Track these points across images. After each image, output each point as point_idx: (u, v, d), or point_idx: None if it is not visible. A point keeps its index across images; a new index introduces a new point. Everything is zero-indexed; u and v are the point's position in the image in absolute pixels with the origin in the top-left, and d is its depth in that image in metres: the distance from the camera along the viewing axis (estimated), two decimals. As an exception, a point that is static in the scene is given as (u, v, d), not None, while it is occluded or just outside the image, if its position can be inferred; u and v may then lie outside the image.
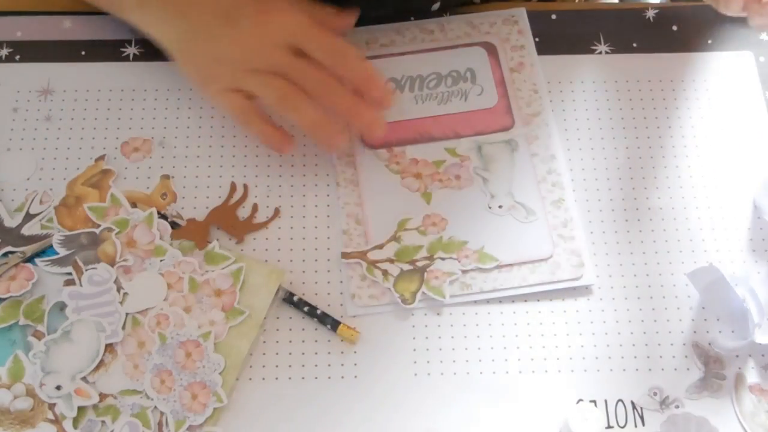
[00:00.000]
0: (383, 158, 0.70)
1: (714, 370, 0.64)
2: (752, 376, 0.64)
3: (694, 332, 0.66)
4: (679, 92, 0.75)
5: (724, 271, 0.64)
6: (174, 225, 0.68)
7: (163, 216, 0.68)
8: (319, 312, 0.64)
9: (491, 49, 0.75)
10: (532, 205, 0.68)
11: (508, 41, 0.75)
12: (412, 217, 0.68)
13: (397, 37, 0.76)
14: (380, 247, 0.67)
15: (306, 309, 0.65)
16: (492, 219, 0.68)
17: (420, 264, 0.66)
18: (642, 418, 0.63)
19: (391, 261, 0.66)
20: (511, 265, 0.66)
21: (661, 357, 0.65)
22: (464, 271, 0.66)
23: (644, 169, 0.71)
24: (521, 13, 0.77)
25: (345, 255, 0.66)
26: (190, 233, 0.68)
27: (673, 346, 0.65)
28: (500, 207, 0.68)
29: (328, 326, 0.64)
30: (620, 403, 0.63)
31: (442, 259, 0.66)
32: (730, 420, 0.63)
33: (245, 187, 0.70)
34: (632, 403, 0.63)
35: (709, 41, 0.77)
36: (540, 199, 0.69)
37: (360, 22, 0.77)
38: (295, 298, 0.65)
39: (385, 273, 0.65)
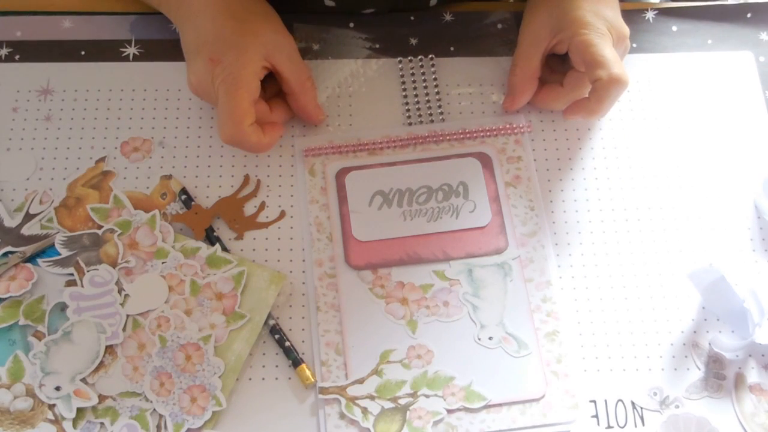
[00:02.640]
0: (367, 281, 0.66)
1: (714, 370, 0.64)
2: (752, 376, 0.64)
3: (694, 332, 0.66)
4: (679, 92, 0.75)
5: (724, 271, 0.64)
6: (187, 202, 0.68)
7: (185, 192, 0.69)
8: (287, 344, 0.64)
9: (486, 161, 0.71)
10: (524, 338, 0.64)
11: (504, 152, 0.71)
12: (396, 348, 0.64)
13: (387, 144, 0.71)
14: (361, 381, 0.63)
15: (277, 337, 0.64)
16: (481, 352, 0.64)
17: (402, 402, 0.62)
18: (642, 418, 0.63)
19: (372, 398, 0.62)
20: (500, 405, 0.62)
21: (661, 357, 0.65)
22: (450, 411, 0.62)
23: (644, 168, 0.71)
24: (519, 121, 0.73)
25: (323, 391, 0.62)
26: (191, 220, 0.68)
27: (673, 346, 0.65)
28: (490, 339, 0.64)
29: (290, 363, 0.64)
30: (620, 403, 0.63)
31: (427, 396, 0.62)
32: (730, 420, 0.63)
33: (258, 182, 0.70)
34: (632, 403, 0.63)
35: (709, 41, 0.77)
36: (533, 331, 0.65)
37: (357, 19, 0.77)
38: (276, 337, 0.64)
39: (364, 411, 0.62)
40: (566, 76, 0.70)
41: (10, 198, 0.69)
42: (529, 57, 0.70)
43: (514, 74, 0.71)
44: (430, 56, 0.75)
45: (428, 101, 0.73)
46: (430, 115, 0.73)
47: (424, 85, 0.74)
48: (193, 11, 0.68)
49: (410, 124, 0.73)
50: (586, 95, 0.68)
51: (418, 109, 0.73)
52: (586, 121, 0.73)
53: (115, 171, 0.70)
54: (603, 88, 0.65)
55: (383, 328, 0.65)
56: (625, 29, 0.69)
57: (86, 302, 0.64)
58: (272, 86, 0.70)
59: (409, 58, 0.75)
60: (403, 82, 0.74)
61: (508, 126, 0.72)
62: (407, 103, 0.74)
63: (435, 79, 0.74)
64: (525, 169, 0.71)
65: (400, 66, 0.75)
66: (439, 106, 0.73)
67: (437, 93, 0.74)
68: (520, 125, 0.72)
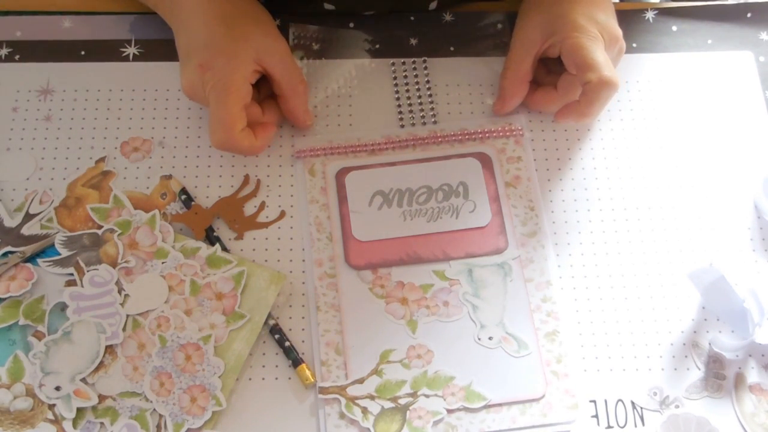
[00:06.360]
0: (367, 280, 0.66)
1: (714, 370, 0.64)
2: (752, 376, 0.64)
3: (694, 332, 0.66)
4: (679, 92, 0.75)
5: (724, 271, 0.64)
6: (187, 202, 0.68)
7: (185, 192, 0.69)
8: (287, 344, 0.64)
9: (486, 161, 0.71)
10: (524, 338, 0.64)
11: (504, 152, 0.71)
12: (396, 348, 0.64)
13: (386, 144, 0.71)
14: (360, 381, 0.63)
15: (277, 337, 0.64)
16: (481, 352, 0.64)
17: (402, 401, 0.62)
18: (642, 418, 0.63)
19: (372, 397, 0.62)
20: (500, 404, 0.62)
21: (661, 357, 0.65)
22: (450, 411, 0.62)
23: (644, 168, 0.71)
24: (519, 121, 0.73)
25: (323, 390, 0.62)
26: (191, 220, 0.68)
27: (673, 346, 0.65)
28: (490, 339, 0.64)
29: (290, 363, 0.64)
30: (620, 403, 0.63)
31: (427, 396, 0.62)
32: (730, 420, 0.63)
33: (258, 182, 0.70)
34: (632, 403, 0.63)
35: (709, 41, 0.77)
36: (533, 331, 0.65)
37: (357, 20, 0.77)
38: (276, 337, 0.65)
39: (364, 411, 0.62)
40: (560, 79, 0.70)
41: (10, 198, 0.69)
42: (521, 60, 0.70)
43: (504, 77, 0.71)
44: (423, 58, 0.75)
45: (420, 103, 0.73)
46: (423, 117, 0.73)
47: (416, 87, 0.74)
48: (184, 15, 0.68)
49: (402, 126, 0.72)
50: None
51: (411, 111, 0.73)
52: (577, 123, 0.73)
53: (115, 171, 0.70)
54: (593, 91, 0.65)
55: (383, 328, 0.65)
56: (618, 31, 0.69)
57: (86, 302, 0.64)
58: (266, 87, 0.70)
59: (402, 60, 0.75)
60: (396, 84, 0.74)
61: (501, 129, 0.72)
62: (399, 105, 0.73)
63: (428, 81, 0.74)
64: (525, 169, 0.71)
65: (393, 68, 0.75)
66: (432, 108, 0.73)
67: (430, 95, 0.74)
68: (516, 128, 0.72)
